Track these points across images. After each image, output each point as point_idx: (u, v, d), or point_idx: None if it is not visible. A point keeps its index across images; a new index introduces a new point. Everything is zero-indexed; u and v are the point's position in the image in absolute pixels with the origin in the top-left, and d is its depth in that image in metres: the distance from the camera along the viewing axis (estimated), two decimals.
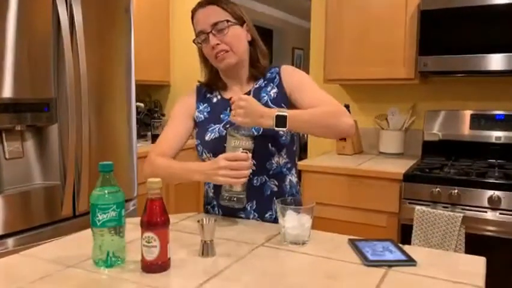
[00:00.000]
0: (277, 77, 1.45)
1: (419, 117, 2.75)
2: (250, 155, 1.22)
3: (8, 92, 1.84)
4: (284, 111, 1.26)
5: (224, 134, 1.38)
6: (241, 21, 1.41)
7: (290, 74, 1.46)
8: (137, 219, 1.13)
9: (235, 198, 1.24)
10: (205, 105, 1.50)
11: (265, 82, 1.46)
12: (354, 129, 1.37)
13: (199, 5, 1.40)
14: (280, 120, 1.24)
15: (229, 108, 1.40)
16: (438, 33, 2.33)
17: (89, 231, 1.05)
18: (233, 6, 1.41)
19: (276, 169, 1.42)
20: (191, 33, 1.44)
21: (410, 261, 1.06)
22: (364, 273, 1.01)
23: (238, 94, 1.41)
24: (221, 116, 1.44)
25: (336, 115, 1.33)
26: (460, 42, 2.30)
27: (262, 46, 1.49)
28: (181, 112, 1.52)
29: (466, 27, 2.28)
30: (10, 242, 1.87)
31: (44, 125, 2.01)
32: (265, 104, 1.40)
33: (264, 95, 1.43)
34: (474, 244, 1.97)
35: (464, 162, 2.44)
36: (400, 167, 2.35)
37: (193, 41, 1.43)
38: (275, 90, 1.44)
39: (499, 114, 2.50)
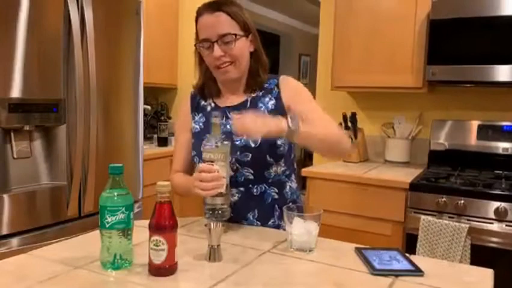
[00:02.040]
0: (276, 89, 1.42)
1: (426, 126, 2.75)
2: (216, 167, 1.19)
3: (17, 92, 1.86)
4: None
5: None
6: (247, 33, 1.37)
7: (290, 88, 1.42)
8: (143, 222, 1.13)
9: (219, 212, 1.23)
10: (200, 114, 1.48)
11: (263, 92, 1.43)
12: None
13: (207, 10, 1.34)
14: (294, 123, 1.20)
15: (224, 117, 1.40)
16: (447, 43, 2.33)
17: (96, 232, 1.05)
18: (241, 15, 1.36)
19: (275, 177, 1.41)
20: None
21: (417, 271, 1.06)
22: (371, 282, 1.01)
23: (233, 101, 1.42)
24: None
25: (343, 137, 1.37)
26: (468, 52, 2.29)
27: (263, 59, 1.44)
28: (182, 127, 1.52)
29: (475, 38, 2.28)
30: (15, 241, 1.88)
31: (52, 126, 2.02)
32: None
33: (261, 105, 1.40)
34: (479, 255, 1.96)
35: (470, 173, 2.43)
36: (406, 175, 2.34)
37: (195, 45, 1.39)
38: (273, 102, 1.41)
39: (507, 126, 2.49)
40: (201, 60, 1.44)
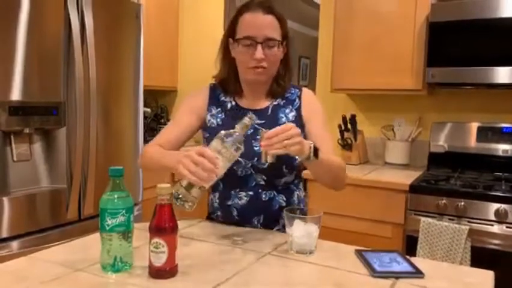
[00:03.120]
0: (298, 101, 1.44)
1: (426, 128, 2.75)
2: (220, 162, 1.09)
3: (17, 95, 1.86)
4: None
5: None
6: (285, 40, 1.38)
7: (311, 103, 1.46)
8: (143, 224, 1.13)
9: (186, 202, 1.09)
10: (219, 109, 1.44)
11: (284, 102, 1.44)
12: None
13: (259, 8, 1.33)
14: (314, 152, 1.20)
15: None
16: (446, 45, 2.34)
17: (97, 235, 1.05)
18: (286, 22, 1.38)
19: (284, 185, 1.41)
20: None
21: (417, 273, 1.06)
22: (371, 284, 1.01)
23: (255, 105, 1.42)
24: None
25: (344, 171, 1.40)
26: (468, 55, 2.30)
27: (291, 66, 1.46)
28: (188, 109, 1.46)
29: (474, 40, 2.28)
30: (15, 244, 1.88)
31: (52, 128, 2.02)
32: None
33: (282, 115, 1.41)
34: (480, 257, 1.95)
35: (470, 175, 2.43)
36: (406, 177, 2.34)
37: (235, 40, 1.35)
38: (294, 113, 1.42)
39: (506, 127, 2.49)
40: (225, 53, 1.42)
